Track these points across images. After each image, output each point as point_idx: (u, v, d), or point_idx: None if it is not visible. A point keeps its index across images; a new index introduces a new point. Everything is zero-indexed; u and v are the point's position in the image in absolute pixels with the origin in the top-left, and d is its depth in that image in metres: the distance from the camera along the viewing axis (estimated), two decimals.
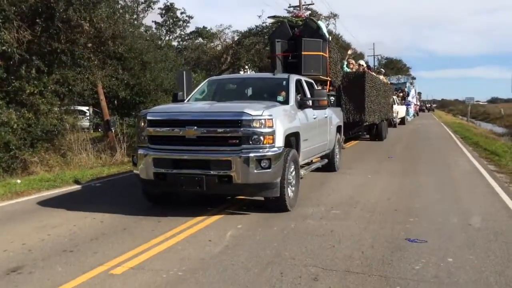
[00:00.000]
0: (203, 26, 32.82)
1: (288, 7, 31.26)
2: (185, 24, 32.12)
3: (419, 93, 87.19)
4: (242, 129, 5.42)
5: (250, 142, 5.44)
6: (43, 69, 13.24)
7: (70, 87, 15.32)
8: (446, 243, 5.04)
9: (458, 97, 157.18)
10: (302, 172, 6.98)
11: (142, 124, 5.82)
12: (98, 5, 13.81)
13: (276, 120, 5.60)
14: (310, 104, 7.04)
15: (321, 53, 9.94)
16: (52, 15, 12.87)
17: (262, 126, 5.46)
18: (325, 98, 6.93)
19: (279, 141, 5.65)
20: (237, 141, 5.46)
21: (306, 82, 8.03)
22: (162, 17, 31.77)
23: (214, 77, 7.92)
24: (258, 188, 5.63)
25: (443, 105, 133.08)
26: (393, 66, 78.95)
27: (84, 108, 24.84)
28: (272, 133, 5.53)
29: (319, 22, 11.13)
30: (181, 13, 31.24)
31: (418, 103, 58.07)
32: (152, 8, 30.62)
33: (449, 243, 5.04)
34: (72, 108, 17.87)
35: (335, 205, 6.74)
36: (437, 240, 5.12)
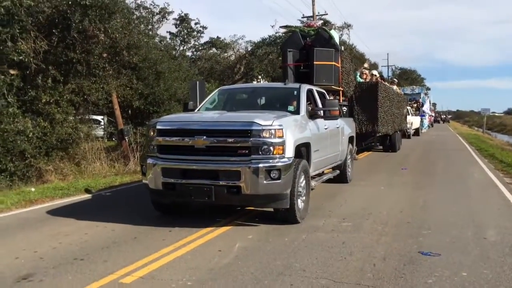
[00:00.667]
0: (217, 37, 33.17)
1: (302, 17, 31.42)
2: (199, 34, 32.47)
3: (434, 104, 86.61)
4: (251, 139, 5.41)
5: (260, 153, 5.43)
6: (59, 79, 13.47)
7: (85, 97, 15.55)
8: (460, 256, 4.94)
9: (473, 108, 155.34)
10: (313, 183, 6.93)
11: (152, 133, 5.85)
12: (113, 15, 14.05)
13: (286, 130, 5.58)
14: (322, 114, 7.01)
15: (333, 63, 9.93)
16: (68, 26, 13.11)
17: (272, 136, 5.44)
18: (337, 108, 6.89)
19: (289, 152, 5.63)
20: (247, 151, 5.44)
21: (318, 92, 8.01)
22: (176, 27, 32.21)
23: (225, 87, 7.95)
24: (267, 199, 5.60)
25: (458, 116, 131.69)
26: (407, 76, 78.55)
27: (99, 118, 25.13)
28: (282, 144, 5.51)
29: (331, 31, 11.13)
30: (195, 23, 31.60)
31: (433, 114, 57.59)
32: (166, 19, 31.07)
33: (463, 256, 4.94)
34: (86, 117, 18.09)
35: (347, 217, 6.67)
36: (451, 254, 5.02)
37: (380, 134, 12.96)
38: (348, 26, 46.34)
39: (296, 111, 6.63)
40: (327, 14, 32.71)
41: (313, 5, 30.84)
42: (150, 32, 28.45)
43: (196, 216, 6.72)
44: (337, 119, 7.24)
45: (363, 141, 13.01)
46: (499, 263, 4.75)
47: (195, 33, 32.59)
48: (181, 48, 32.43)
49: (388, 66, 69.99)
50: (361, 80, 12.99)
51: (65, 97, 14.05)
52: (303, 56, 10.07)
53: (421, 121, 34.33)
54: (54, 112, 12.74)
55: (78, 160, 14.14)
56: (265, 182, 5.40)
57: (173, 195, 5.81)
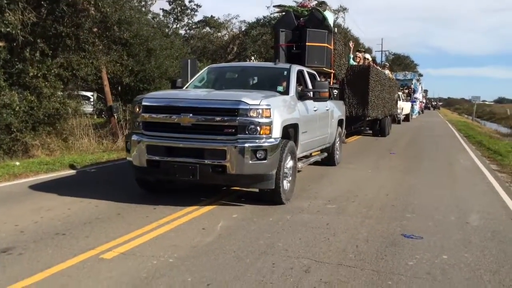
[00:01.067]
0: (211, 15, 32.75)
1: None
2: (192, 12, 32.06)
3: (426, 91, 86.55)
4: (238, 118, 5.34)
5: (247, 132, 5.37)
6: (47, 52, 13.20)
7: (74, 72, 15.30)
8: (442, 240, 4.98)
9: (464, 96, 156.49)
10: (299, 165, 6.91)
11: (137, 109, 5.75)
12: None
13: (274, 111, 5.52)
14: (311, 95, 6.95)
15: (325, 45, 9.81)
16: None
17: (259, 116, 5.38)
18: (327, 90, 6.83)
19: (276, 132, 5.58)
20: (233, 130, 5.38)
21: (309, 73, 7.94)
22: (170, 4, 31.71)
23: (214, 65, 7.84)
24: (252, 180, 5.56)
25: (449, 103, 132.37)
26: (401, 62, 78.37)
27: (89, 94, 24.82)
28: (269, 124, 5.46)
29: (326, 12, 10.97)
30: (189, 1, 31.17)
31: (424, 101, 57.70)
32: None
33: (445, 240, 4.98)
34: (75, 93, 17.84)
35: (332, 199, 6.69)
36: (433, 237, 5.06)
37: (370, 118, 12.95)
38: (344, 9, 45.91)
39: (286, 92, 6.56)
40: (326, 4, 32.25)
41: None
42: (143, 9, 28.04)
43: (181, 195, 6.68)
44: (326, 101, 7.19)
45: (353, 124, 12.99)
46: (480, 247, 4.80)
47: (188, 11, 32.19)
48: (174, 26, 32.02)
49: (382, 51, 69.83)
50: (354, 63, 12.90)
51: (53, 71, 13.81)
52: (296, 37, 9.92)
53: (412, 107, 34.41)
54: (41, 86, 12.54)
55: (66, 136, 14.02)
56: (250, 162, 5.36)
57: (158, 173, 5.75)
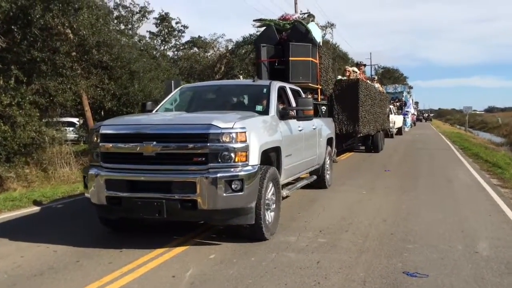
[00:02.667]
0: (198, 36, 32.41)
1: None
2: (180, 34, 31.73)
3: (416, 103, 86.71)
4: (209, 144, 4.63)
5: (219, 160, 4.65)
6: (22, 79, 12.56)
7: (51, 98, 14.60)
8: (451, 277, 4.26)
9: (455, 107, 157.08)
10: (284, 192, 6.18)
11: (95, 139, 5.01)
12: (80, 11, 13.12)
13: (250, 134, 4.82)
14: (295, 114, 6.27)
15: (310, 59, 9.19)
16: (29, 22, 12.18)
17: (233, 141, 4.67)
18: (311, 107, 6.15)
19: (254, 158, 4.86)
20: (204, 159, 4.66)
21: (292, 90, 7.28)
22: (157, 27, 31.34)
23: (187, 85, 7.17)
24: (228, 215, 4.81)
25: (440, 114, 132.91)
26: (390, 75, 78.51)
27: (75, 120, 24.06)
28: (245, 149, 4.75)
29: (310, 24, 10.39)
30: (176, 23, 30.90)
31: (416, 113, 57.47)
32: (147, 18, 30.22)
33: (454, 277, 4.27)
34: (55, 120, 17.07)
35: (324, 229, 5.95)
36: (440, 274, 4.35)
37: (361, 134, 12.31)
38: (331, 25, 45.79)
39: (265, 111, 5.87)
40: (309, 12, 32.06)
41: (295, 4, 30.22)
42: (130, 31, 27.56)
43: (152, 233, 5.91)
44: (311, 119, 6.49)
45: (344, 142, 12.30)
46: (495, 284, 4.09)
47: (176, 32, 31.86)
48: (162, 47, 31.62)
49: (371, 65, 69.98)
50: (343, 78, 12.29)
51: (28, 98, 13.11)
52: (279, 52, 9.31)
53: (404, 120, 33.96)
54: (15, 115, 11.85)
55: (45, 166, 13.29)
56: (224, 194, 4.62)
57: (119, 211, 4.99)
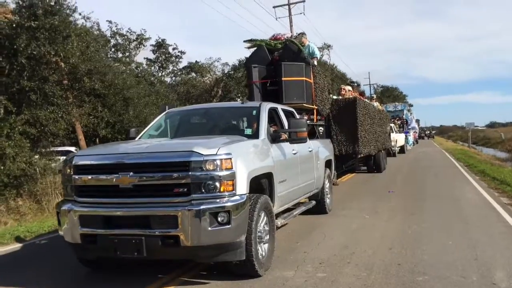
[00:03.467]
0: (196, 61, 32.45)
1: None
2: (177, 59, 31.79)
3: (418, 120, 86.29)
4: (191, 173, 4.17)
5: (203, 191, 4.19)
6: (11, 109, 12.25)
7: (43, 127, 14.26)
8: None
9: (456, 123, 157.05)
10: (279, 221, 5.69)
11: (68, 171, 4.56)
12: (69, 39, 12.89)
13: (237, 160, 4.37)
14: (287, 137, 5.83)
15: (304, 79, 8.82)
16: (15, 51, 11.93)
17: (218, 169, 4.22)
18: (304, 129, 5.72)
19: (242, 187, 4.40)
20: (185, 189, 4.19)
21: (285, 111, 6.86)
22: (154, 53, 31.40)
23: (173, 109, 6.77)
24: (215, 251, 4.31)
25: (442, 131, 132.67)
26: (389, 94, 78.53)
27: (72, 149, 23.70)
28: (232, 177, 4.29)
29: (309, 44, 10.08)
30: (173, 49, 30.98)
31: (417, 131, 57.10)
32: (144, 45, 30.29)
33: None
34: (48, 150, 16.68)
35: (324, 261, 5.44)
36: None
37: (362, 155, 11.86)
38: (328, 46, 45.96)
39: (255, 135, 5.43)
40: (305, 34, 32.13)
41: (291, 26, 30.26)
42: (128, 59, 27.50)
43: (136, 271, 5.39)
44: (305, 141, 6.04)
45: (344, 163, 11.83)
46: None
47: (173, 58, 31.91)
48: (160, 74, 31.62)
49: (370, 84, 70.25)
50: (339, 97, 11.90)
51: (17, 129, 12.75)
52: (271, 73, 8.95)
53: (406, 138, 33.51)
54: (4, 146, 11.48)
55: (39, 197, 12.85)
56: (209, 228, 4.14)
57: (95, 250, 4.49)
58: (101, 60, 14.90)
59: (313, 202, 7.56)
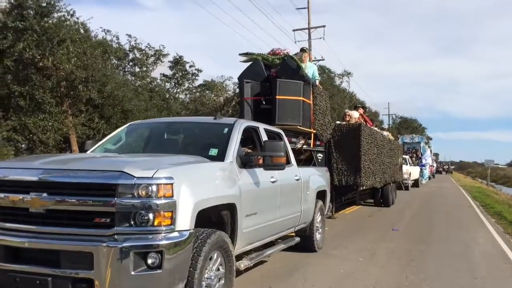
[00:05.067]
0: (211, 79, 32.09)
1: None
2: (194, 77, 31.45)
3: (436, 154, 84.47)
4: (117, 200, 3.29)
5: (131, 223, 3.30)
6: None
7: (31, 135, 13.66)
8: None
9: (476, 159, 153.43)
10: (243, 263, 4.73)
11: None
12: (63, 44, 12.35)
13: (180, 186, 3.48)
14: (261, 161, 4.91)
15: (301, 98, 7.93)
16: (1, 52, 11.41)
17: (154, 196, 3.33)
18: (281, 153, 4.81)
19: (184, 220, 3.49)
20: (108, 220, 3.31)
21: (270, 132, 5.97)
22: (171, 70, 31.16)
23: (136, 121, 5.94)
24: None
25: (461, 167, 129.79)
26: (408, 125, 77.10)
27: None
28: (171, 207, 3.39)
29: (309, 63, 9.25)
30: (190, 66, 30.71)
31: (435, 164, 55.42)
32: (161, 61, 30.04)
33: None
34: None
35: None
36: None
37: (364, 187, 10.83)
38: (348, 74, 45.05)
39: (220, 156, 4.54)
40: (323, 59, 31.55)
41: (310, 51, 29.64)
42: (146, 74, 27.15)
43: None
44: (281, 168, 5.06)
45: (343, 195, 10.79)
46: None
47: (189, 75, 31.57)
48: (175, 90, 31.31)
49: (389, 115, 69.08)
50: (343, 123, 10.95)
51: (2, 134, 12.16)
52: (266, 90, 8.10)
53: (421, 172, 32.17)
54: None
55: None
56: (133, 273, 3.23)
57: None
58: (100, 69, 14.27)
59: (297, 239, 6.56)
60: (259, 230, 4.97)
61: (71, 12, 12.28)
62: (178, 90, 32.29)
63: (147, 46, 27.77)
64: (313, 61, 33.00)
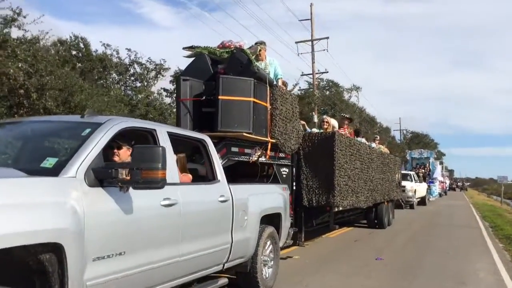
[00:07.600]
0: None
1: (301, 75, 29.31)
2: None
3: (451, 171, 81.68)
4: None
5: None
6: None
7: None
8: None
9: (493, 176, 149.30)
10: None
11: None
12: (4, 44, 11.02)
13: None
14: (128, 177, 3.40)
15: (251, 99, 6.39)
16: None
17: None
18: (158, 165, 3.27)
19: None
20: None
21: (181, 138, 4.47)
22: (172, 84, 30.09)
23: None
24: None
25: (477, 183, 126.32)
26: (419, 140, 74.71)
27: None
28: None
29: (271, 61, 7.76)
30: None
31: (447, 181, 53.12)
32: (162, 75, 28.94)
33: None
34: None
35: None
36: None
37: (338, 208, 9.20)
38: (357, 88, 42.99)
39: (57, 169, 3.05)
40: (327, 72, 30.10)
41: (313, 63, 28.30)
42: (146, 88, 26.04)
43: None
44: (159, 186, 3.47)
45: (315, 218, 9.10)
46: None
47: None
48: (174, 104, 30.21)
49: (400, 130, 67.20)
50: (320, 130, 9.34)
51: None
52: (211, 89, 6.61)
53: (429, 188, 30.22)
54: None
55: None
56: None
57: None
58: (60, 75, 12.88)
59: (223, 281, 4.95)
60: (133, 277, 3.41)
61: (17, 11, 10.96)
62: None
63: (147, 60, 26.90)
64: (317, 73, 31.57)
